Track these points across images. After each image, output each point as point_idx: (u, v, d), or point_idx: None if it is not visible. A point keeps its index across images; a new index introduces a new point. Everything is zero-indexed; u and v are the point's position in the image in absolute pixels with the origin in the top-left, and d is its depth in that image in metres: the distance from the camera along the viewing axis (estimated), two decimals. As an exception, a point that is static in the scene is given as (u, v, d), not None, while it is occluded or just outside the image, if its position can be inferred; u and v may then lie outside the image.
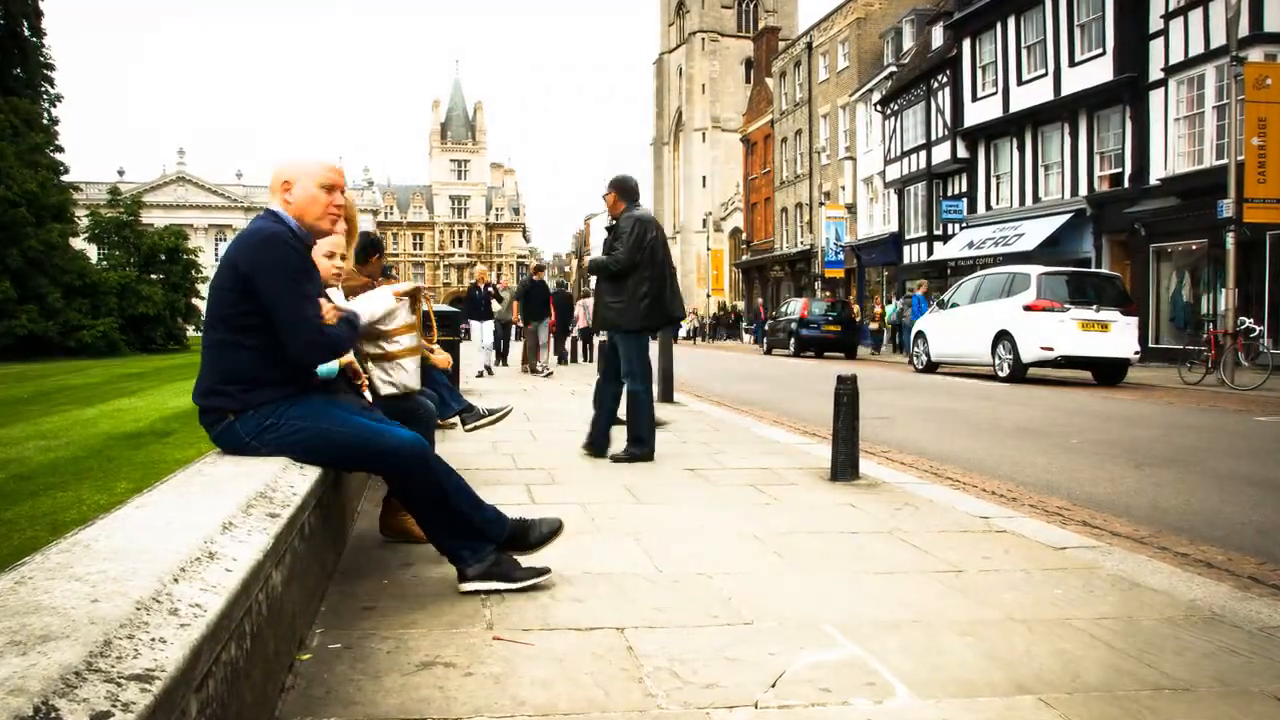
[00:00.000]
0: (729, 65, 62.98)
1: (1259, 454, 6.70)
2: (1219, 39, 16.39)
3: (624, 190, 5.53)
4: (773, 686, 2.04)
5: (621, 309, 5.39)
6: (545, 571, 2.77)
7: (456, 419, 4.79)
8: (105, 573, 1.43)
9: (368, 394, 3.20)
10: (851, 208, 34.28)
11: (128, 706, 1.05)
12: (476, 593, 2.66)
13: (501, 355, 18.19)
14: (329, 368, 2.77)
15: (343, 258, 3.30)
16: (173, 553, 1.57)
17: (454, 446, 5.50)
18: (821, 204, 36.07)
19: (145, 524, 1.81)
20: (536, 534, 2.82)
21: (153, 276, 32.19)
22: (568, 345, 18.52)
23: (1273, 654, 2.31)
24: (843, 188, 35.59)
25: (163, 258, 33.32)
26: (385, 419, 2.81)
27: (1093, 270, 18.13)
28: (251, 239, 2.53)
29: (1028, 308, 13.14)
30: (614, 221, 5.50)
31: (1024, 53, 23.09)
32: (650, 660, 2.19)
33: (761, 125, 44.99)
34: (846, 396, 4.77)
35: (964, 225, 25.85)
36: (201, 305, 28.82)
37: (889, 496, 4.34)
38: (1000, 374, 13.68)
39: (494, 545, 2.72)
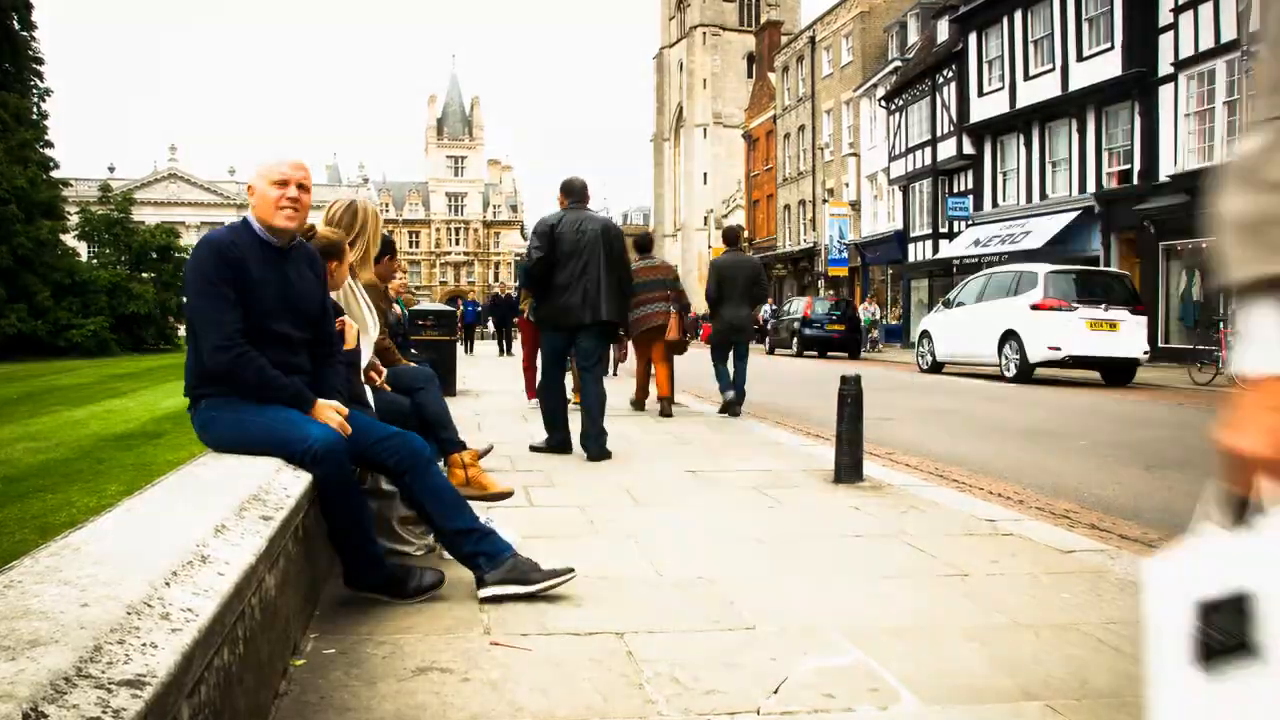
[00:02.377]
0: (730, 60, 62.68)
1: (1267, 454, 6.63)
2: (1230, 32, 16.27)
3: (566, 191, 5.62)
4: (775, 692, 2.02)
5: (542, 306, 5.53)
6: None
7: None
8: (95, 576, 1.41)
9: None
10: (855, 205, 34.16)
11: (119, 713, 1.04)
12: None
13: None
14: None
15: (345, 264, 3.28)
16: (164, 556, 1.55)
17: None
18: (825, 201, 35.89)
19: (136, 527, 1.79)
20: (415, 583, 2.61)
21: (144, 275, 32.05)
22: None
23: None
24: (846, 184, 35.46)
25: (154, 256, 33.16)
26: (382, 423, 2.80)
27: (1101, 269, 18.04)
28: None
29: (1035, 307, 13.05)
30: None
31: (1031, 47, 22.94)
32: (651, 665, 2.16)
33: (764, 121, 44.82)
34: (850, 397, 4.73)
35: (970, 223, 25.72)
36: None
37: (894, 499, 4.30)
38: (1007, 374, 13.61)
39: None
